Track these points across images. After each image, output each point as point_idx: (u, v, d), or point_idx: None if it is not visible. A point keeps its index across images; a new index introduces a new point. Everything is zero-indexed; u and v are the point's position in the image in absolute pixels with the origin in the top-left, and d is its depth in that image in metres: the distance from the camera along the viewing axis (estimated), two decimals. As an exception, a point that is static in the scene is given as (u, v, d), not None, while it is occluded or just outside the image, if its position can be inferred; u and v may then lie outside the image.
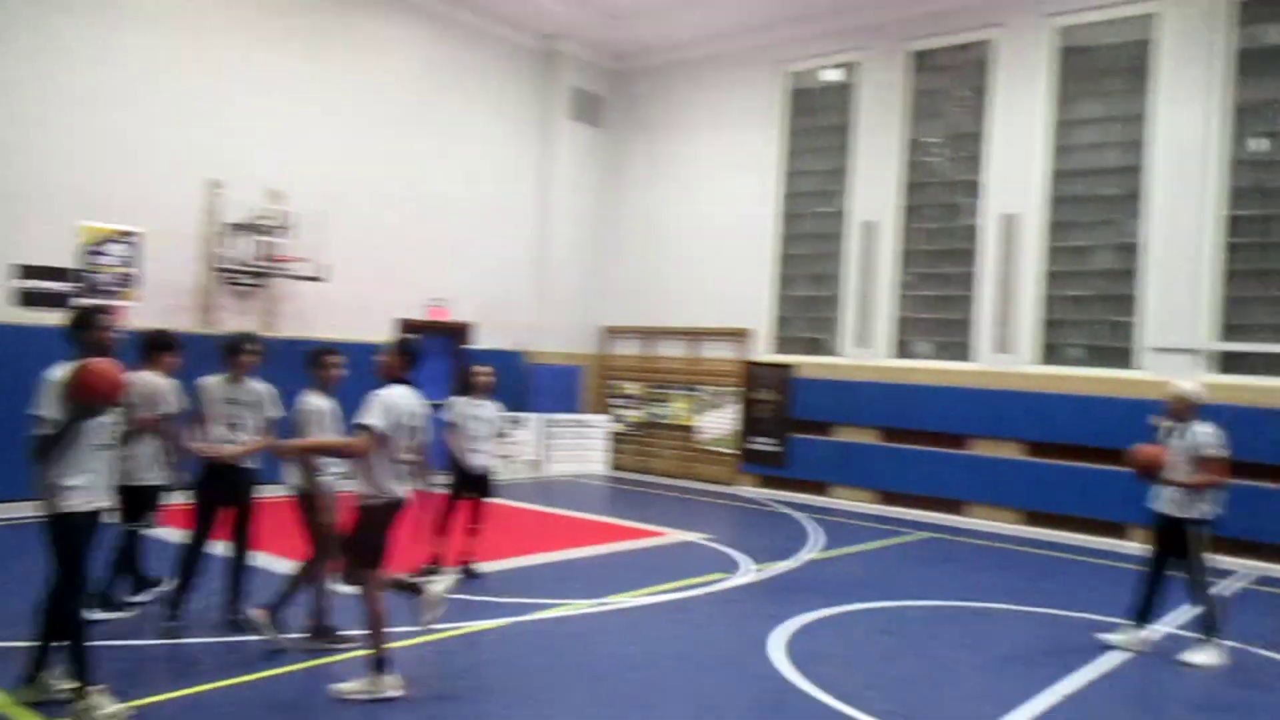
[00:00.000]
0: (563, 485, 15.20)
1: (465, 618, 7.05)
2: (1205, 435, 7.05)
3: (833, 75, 15.31)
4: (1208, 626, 7.02)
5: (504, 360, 16.07)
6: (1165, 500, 7.17)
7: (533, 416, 16.14)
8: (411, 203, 14.94)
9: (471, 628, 6.86)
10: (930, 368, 13.89)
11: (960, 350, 13.80)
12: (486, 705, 5.44)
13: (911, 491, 13.71)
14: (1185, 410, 7.16)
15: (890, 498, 13.94)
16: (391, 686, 5.39)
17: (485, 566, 8.57)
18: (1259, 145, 11.75)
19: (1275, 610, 9.05)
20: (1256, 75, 11.75)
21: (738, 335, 15.89)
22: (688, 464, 16.34)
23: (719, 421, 15.93)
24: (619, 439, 17.16)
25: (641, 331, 17.16)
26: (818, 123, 15.52)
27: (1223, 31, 11.84)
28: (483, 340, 15.82)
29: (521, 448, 15.93)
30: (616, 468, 16.99)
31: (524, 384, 16.30)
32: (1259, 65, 11.73)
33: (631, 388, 17.13)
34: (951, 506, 13.37)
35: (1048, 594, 9.01)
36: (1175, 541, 7.11)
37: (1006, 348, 13.21)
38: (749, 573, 9.24)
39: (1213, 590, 7.17)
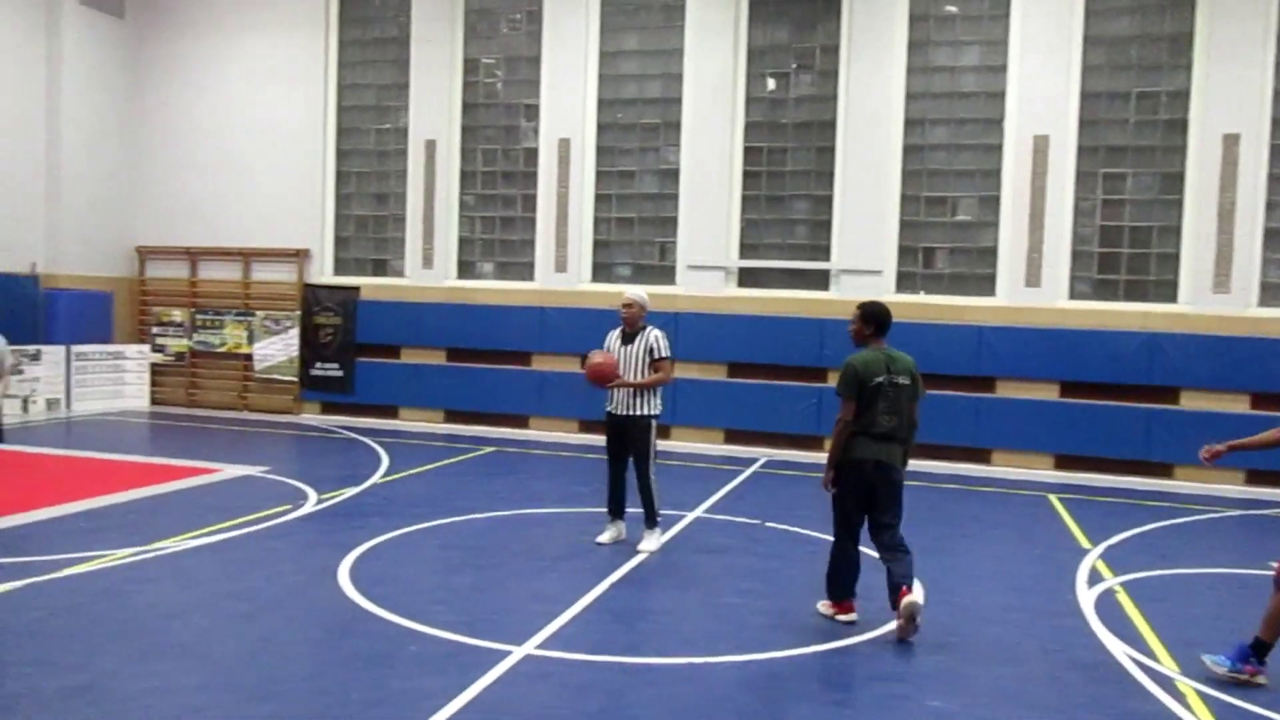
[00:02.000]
0: (92, 425, 13.51)
1: (-35, 586, 6.05)
2: (656, 339, 7.53)
3: (388, -16, 14.75)
4: (651, 515, 7.63)
5: (7, 286, 13.86)
6: (617, 401, 7.54)
7: (52, 349, 14.09)
8: None
9: (-26, 597, 5.89)
10: (493, 288, 14.20)
11: (522, 270, 14.26)
12: (4, 683, 4.71)
13: (478, 409, 14.05)
14: (639, 316, 7.56)
15: (458, 416, 14.18)
16: None
17: (-7, 525, 7.38)
18: (769, 84, 13.32)
19: (780, 487, 10.59)
20: (764, 21, 13.23)
21: (295, 256, 15.02)
22: (244, 395, 15.30)
23: (277, 348, 15.04)
24: (161, 371, 15.58)
25: (185, 252, 15.58)
26: (372, 34, 14.91)
27: (742, -21, 13.18)
28: (-22, 263, 13.44)
29: (38, 385, 13.88)
30: (158, 403, 15.45)
31: (36, 312, 14.14)
32: (766, 11, 13.21)
33: (177, 314, 15.57)
34: (517, 421, 13.92)
35: (598, 496, 9.73)
36: (628, 437, 7.60)
37: (564, 267, 13.88)
38: (314, 503, 8.92)
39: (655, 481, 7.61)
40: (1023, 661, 5.49)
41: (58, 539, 7.30)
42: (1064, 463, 11.99)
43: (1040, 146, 12.14)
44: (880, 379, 5.75)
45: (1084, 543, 8.48)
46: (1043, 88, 12.14)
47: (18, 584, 6.16)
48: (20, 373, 13.33)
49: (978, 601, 6.20)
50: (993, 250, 12.53)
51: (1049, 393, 12.04)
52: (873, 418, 5.74)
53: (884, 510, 5.83)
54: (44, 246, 14.58)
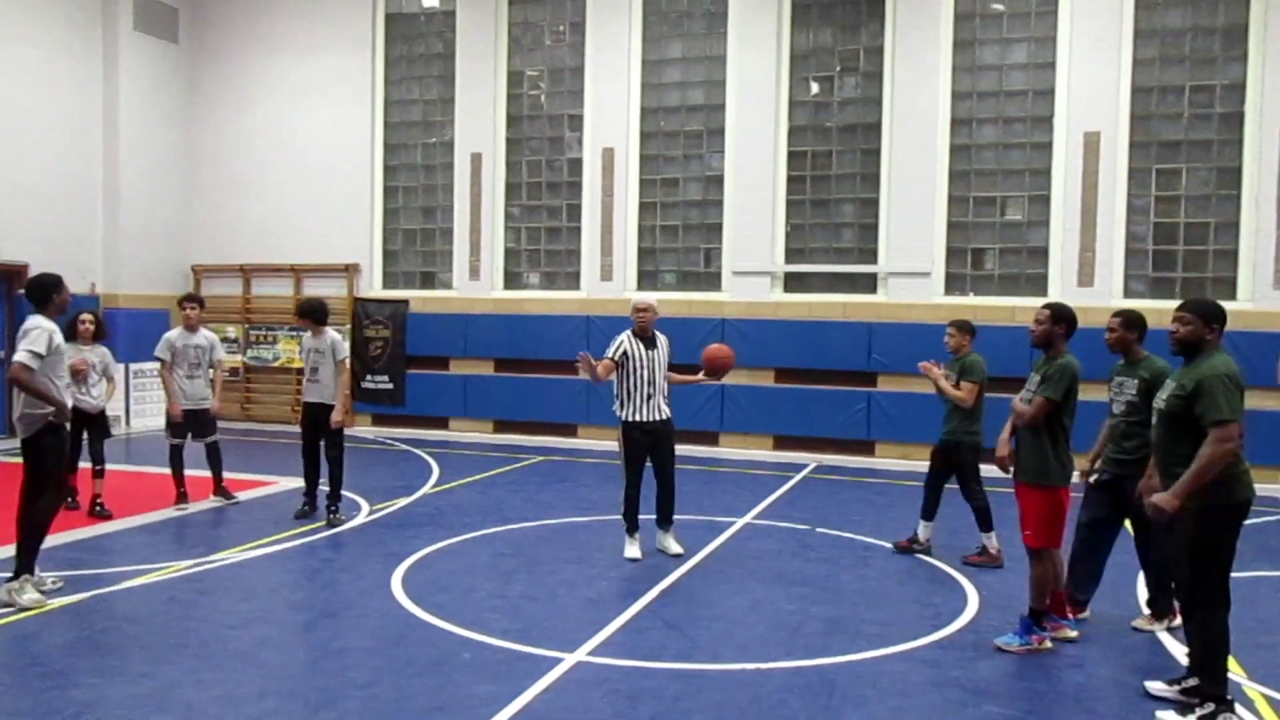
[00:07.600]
0: (151, 441, 13.78)
1: (35, 598, 6.20)
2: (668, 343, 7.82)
3: (432, 2, 14.93)
4: (670, 517, 7.77)
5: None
6: (654, 407, 7.61)
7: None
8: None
9: (41, 608, 6.04)
10: (540, 298, 14.29)
11: (568, 280, 14.33)
12: (71, 690, 4.81)
13: (527, 419, 14.12)
14: (653, 321, 7.68)
15: (508, 426, 14.27)
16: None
17: (54, 539, 7.56)
18: (813, 88, 13.27)
19: (830, 493, 10.50)
20: (807, 25, 13.19)
21: (345, 271, 15.24)
22: (297, 408, 15.49)
23: (329, 361, 15.25)
24: (218, 386, 15.85)
25: (238, 270, 15.89)
26: (418, 50, 15.12)
27: (783, -16, 13.15)
28: (43, 283, 13.81)
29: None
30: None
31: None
32: (809, 15, 13.17)
33: (231, 330, 15.86)
34: (565, 430, 13.97)
35: (648, 502, 9.72)
36: (666, 443, 7.69)
37: (609, 276, 13.93)
38: (367, 513, 9.03)
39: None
40: (1086, 667, 5.38)
41: (122, 552, 7.47)
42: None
43: (1091, 143, 11.94)
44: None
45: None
46: (1093, 84, 11.94)
47: (84, 596, 6.32)
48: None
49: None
50: (1044, 250, 12.34)
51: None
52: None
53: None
54: (102, 267, 14.95)
